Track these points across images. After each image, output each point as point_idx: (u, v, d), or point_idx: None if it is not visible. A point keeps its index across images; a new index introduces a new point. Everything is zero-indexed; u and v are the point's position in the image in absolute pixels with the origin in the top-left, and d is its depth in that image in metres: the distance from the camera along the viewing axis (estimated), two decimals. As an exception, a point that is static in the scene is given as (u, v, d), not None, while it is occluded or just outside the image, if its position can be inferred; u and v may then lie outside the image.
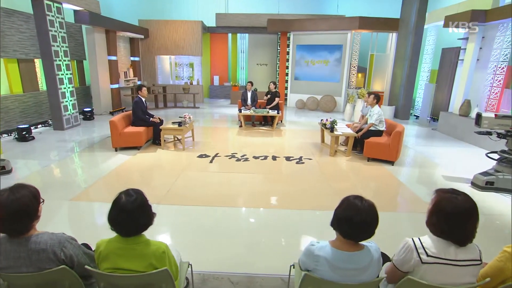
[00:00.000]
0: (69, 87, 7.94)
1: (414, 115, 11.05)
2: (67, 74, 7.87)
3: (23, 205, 1.45)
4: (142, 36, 11.90)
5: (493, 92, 7.12)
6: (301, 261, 1.65)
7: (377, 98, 5.97)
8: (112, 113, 9.84)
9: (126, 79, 10.78)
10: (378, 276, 1.59)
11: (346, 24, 10.80)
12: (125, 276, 1.51)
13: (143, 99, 6.21)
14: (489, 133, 4.51)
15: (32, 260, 1.49)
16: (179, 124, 6.08)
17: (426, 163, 5.85)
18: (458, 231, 1.52)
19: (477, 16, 6.71)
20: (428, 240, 1.60)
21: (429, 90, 9.42)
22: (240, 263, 2.77)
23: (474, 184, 4.64)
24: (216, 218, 3.59)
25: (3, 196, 1.44)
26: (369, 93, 6.23)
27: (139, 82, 11.77)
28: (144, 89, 6.15)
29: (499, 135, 4.42)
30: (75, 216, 3.57)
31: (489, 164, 4.92)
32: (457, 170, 5.46)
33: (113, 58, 10.11)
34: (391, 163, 5.65)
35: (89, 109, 9.05)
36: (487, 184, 4.47)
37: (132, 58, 11.90)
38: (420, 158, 6.13)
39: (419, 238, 1.63)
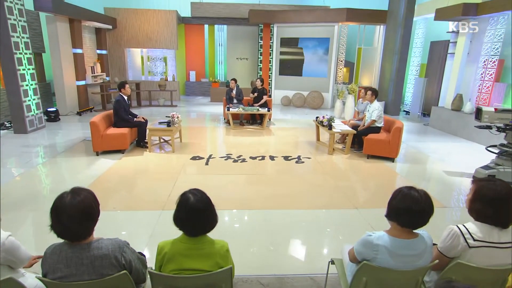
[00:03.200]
0: (31, 84, 7.65)
1: (404, 111, 11.73)
2: (29, 69, 7.58)
3: (88, 207, 1.53)
4: (110, 27, 11.65)
5: (484, 86, 7.80)
6: (357, 252, 1.85)
7: (376, 93, 6.35)
8: (79, 113, 9.57)
9: (93, 74, 10.51)
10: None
11: (333, 16, 11.26)
12: (188, 277, 1.63)
13: (125, 98, 6.17)
14: (489, 127, 4.99)
15: (95, 266, 1.56)
16: (168, 124, 6.11)
17: (425, 159, 6.32)
18: (502, 213, 1.80)
19: (468, 10, 7.33)
20: (472, 226, 1.87)
21: (420, 85, 10.07)
22: (264, 265, 2.93)
23: (475, 178, 5.11)
24: (228, 221, 3.73)
25: (67, 198, 1.51)
26: (366, 89, 6.61)
27: (107, 78, 11.51)
28: (127, 87, 6.12)
29: (499, 129, 4.92)
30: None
31: (486, 158, 5.44)
32: (456, 165, 5.96)
33: (79, 51, 9.84)
34: (391, 160, 6.04)
35: (54, 109, 8.76)
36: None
37: (98, 51, 11.61)
38: (418, 154, 6.60)
39: (463, 225, 1.89)
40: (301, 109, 11.93)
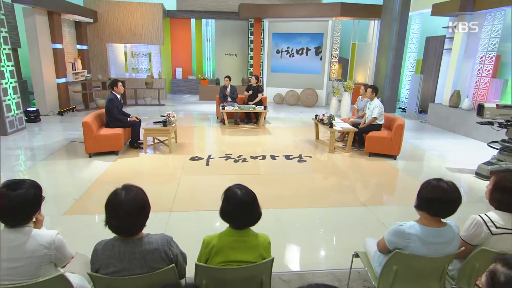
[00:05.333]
0: (11, 82, 7.58)
1: (400, 108, 12.16)
2: (8, 65, 7.52)
3: (141, 201, 1.68)
4: (91, 20, 11.57)
5: (482, 82, 8.25)
6: (389, 242, 2.06)
7: (376, 90, 6.64)
8: (61, 113, 9.49)
9: (74, 71, 10.44)
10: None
11: (327, 10, 11.57)
12: (236, 269, 1.80)
13: (118, 96, 6.23)
14: (491, 123, 5.34)
15: (147, 260, 1.70)
16: (164, 123, 6.20)
17: (426, 156, 6.67)
18: None
19: (466, 5, 7.75)
20: (494, 215, 2.12)
21: (416, 81, 10.48)
22: (282, 263, 3.11)
23: (478, 174, 5.46)
24: (239, 222, 3.89)
25: (121, 195, 1.65)
26: (366, 86, 6.92)
27: (89, 75, 11.43)
28: (120, 85, 6.18)
29: (500, 125, 5.27)
30: (77, 229, 3.63)
31: (486, 154, 5.82)
32: (457, 161, 6.32)
33: (59, 46, 9.76)
34: (393, 157, 6.34)
35: (34, 109, 8.68)
36: (492, 173, 5.30)
37: (79, 47, 11.52)
38: (419, 152, 6.95)
39: (485, 214, 2.14)
40: (295, 107, 12.19)
